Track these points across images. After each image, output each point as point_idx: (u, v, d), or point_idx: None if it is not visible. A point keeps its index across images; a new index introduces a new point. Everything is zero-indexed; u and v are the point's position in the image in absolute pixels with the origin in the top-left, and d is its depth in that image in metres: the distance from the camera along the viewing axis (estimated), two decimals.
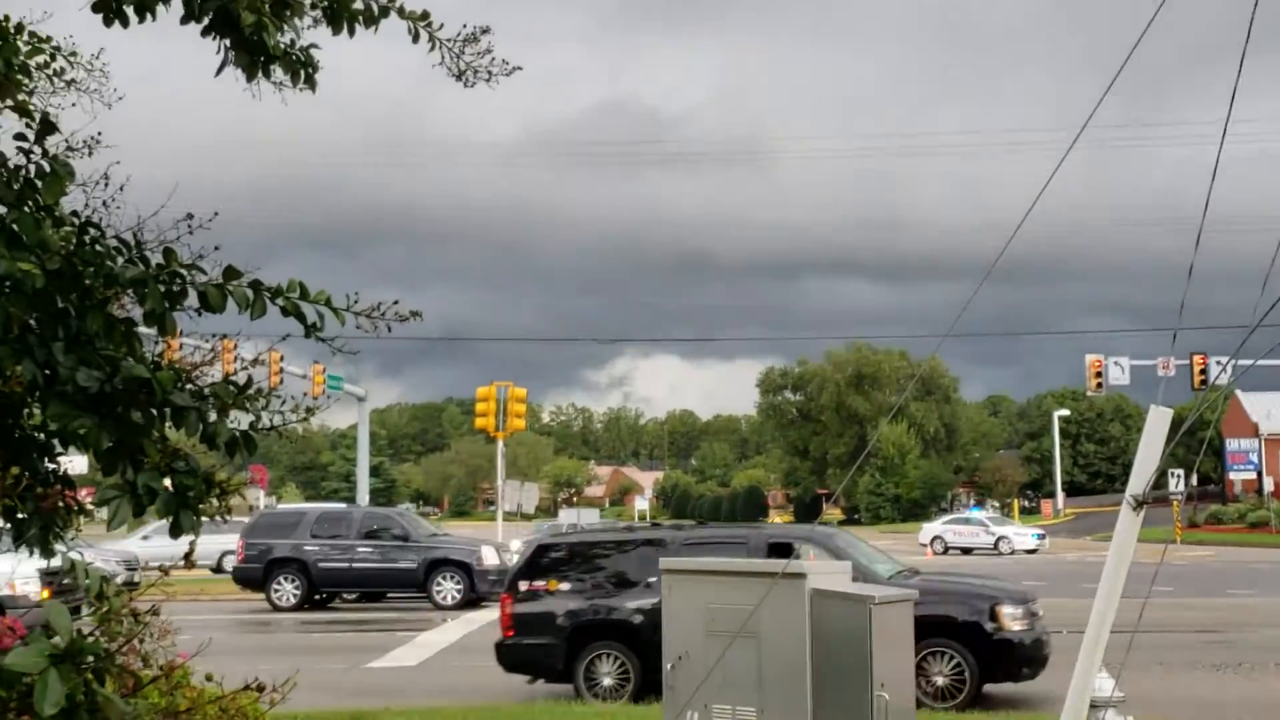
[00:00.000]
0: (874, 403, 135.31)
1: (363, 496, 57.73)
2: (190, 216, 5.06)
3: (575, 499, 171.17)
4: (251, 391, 5.04)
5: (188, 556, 5.82)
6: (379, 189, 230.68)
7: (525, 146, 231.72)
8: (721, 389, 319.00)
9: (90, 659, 3.62)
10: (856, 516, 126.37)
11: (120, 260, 4.95)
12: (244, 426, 5.03)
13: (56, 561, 4.95)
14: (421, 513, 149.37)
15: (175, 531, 4.99)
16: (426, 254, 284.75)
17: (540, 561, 18.55)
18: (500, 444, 49.95)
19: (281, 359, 44.45)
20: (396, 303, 5.12)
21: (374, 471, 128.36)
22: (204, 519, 5.07)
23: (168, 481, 4.90)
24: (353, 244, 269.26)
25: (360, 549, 35.98)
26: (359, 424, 62.28)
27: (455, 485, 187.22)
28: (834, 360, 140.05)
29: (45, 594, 22.98)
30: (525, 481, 69.03)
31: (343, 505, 42.23)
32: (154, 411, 4.92)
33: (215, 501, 5.02)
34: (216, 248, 5.07)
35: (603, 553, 18.50)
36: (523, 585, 18.47)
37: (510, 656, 18.45)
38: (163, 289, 4.87)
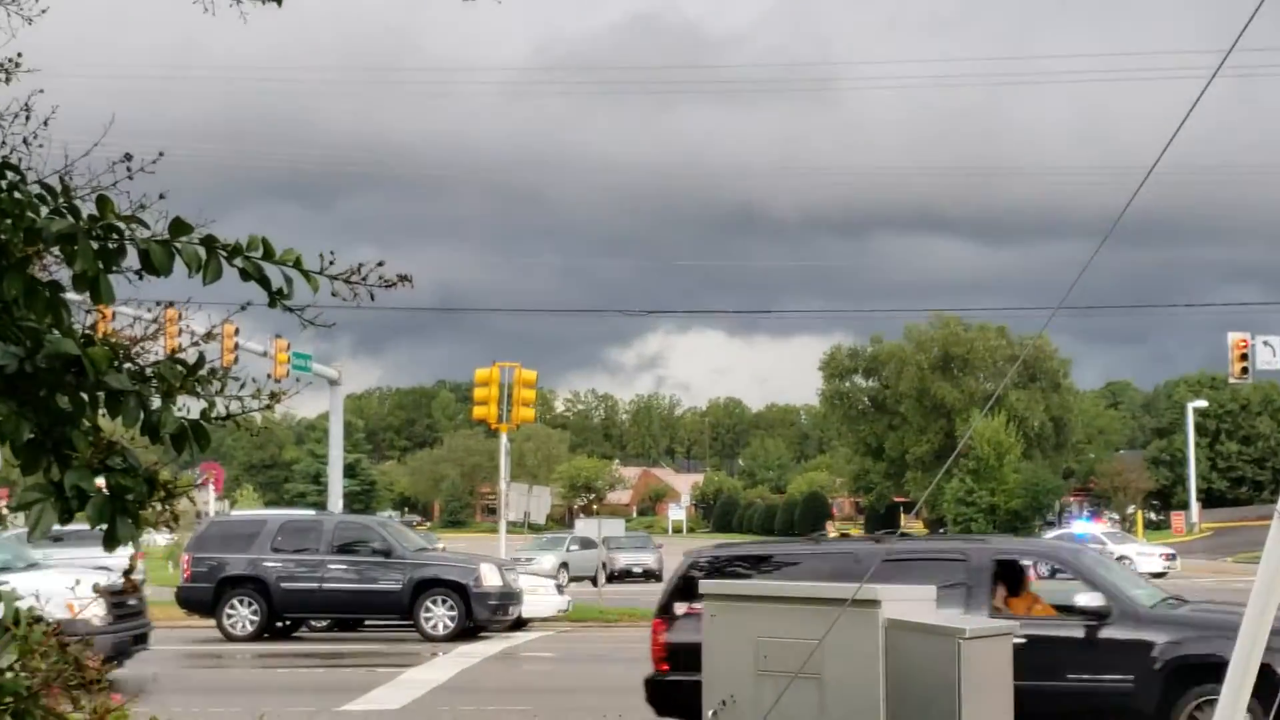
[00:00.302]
0: (965, 391, 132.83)
1: (335, 501, 57.16)
2: (129, 158, 5.06)
3: (595, 506, 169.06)
4: (203, 372, 5.04)
5: (128, 574, 5.86)
6: (359, 126, 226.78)
7: (537, 74, 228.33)
8: (776, 373, 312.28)
9: (9, 700, 3.66)
10: (942, 530, 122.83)
11: (44, 211, 4.94)
12: (194, 415, 5.03)
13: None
14: (406, 521, 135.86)
15: (110, 543, 5.01)
16: (416, 206, 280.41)
17: (699, 580, 17.88)
18: (504, 439, 49.29)
19: (237, 332, 44.10)
20: (381, 264, 5.13)
21: (349, 471, 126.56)
22: (147, 528, 5.10)
23: (101, 481, 4.92)
24: (326, 192, 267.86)
25: (332, 566, 35.62)
26: (331, 413, 61.37)
27: (448, 489, 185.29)
28: (915, 338, 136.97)
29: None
30: (534, 485, 68.49)
31: (311, 512, 41.78)
32: (85, 396, 4.93)
33: (159, 506, 5.04)
34: (162, 196, 5.05)
35: (775, 570, 17.94)
36: (679, 608, 17.85)
37: (666, 696, 17.71)
38: (96, 246, 4.86)
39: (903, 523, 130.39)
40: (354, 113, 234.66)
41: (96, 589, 18.07)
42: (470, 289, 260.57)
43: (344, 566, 35.56)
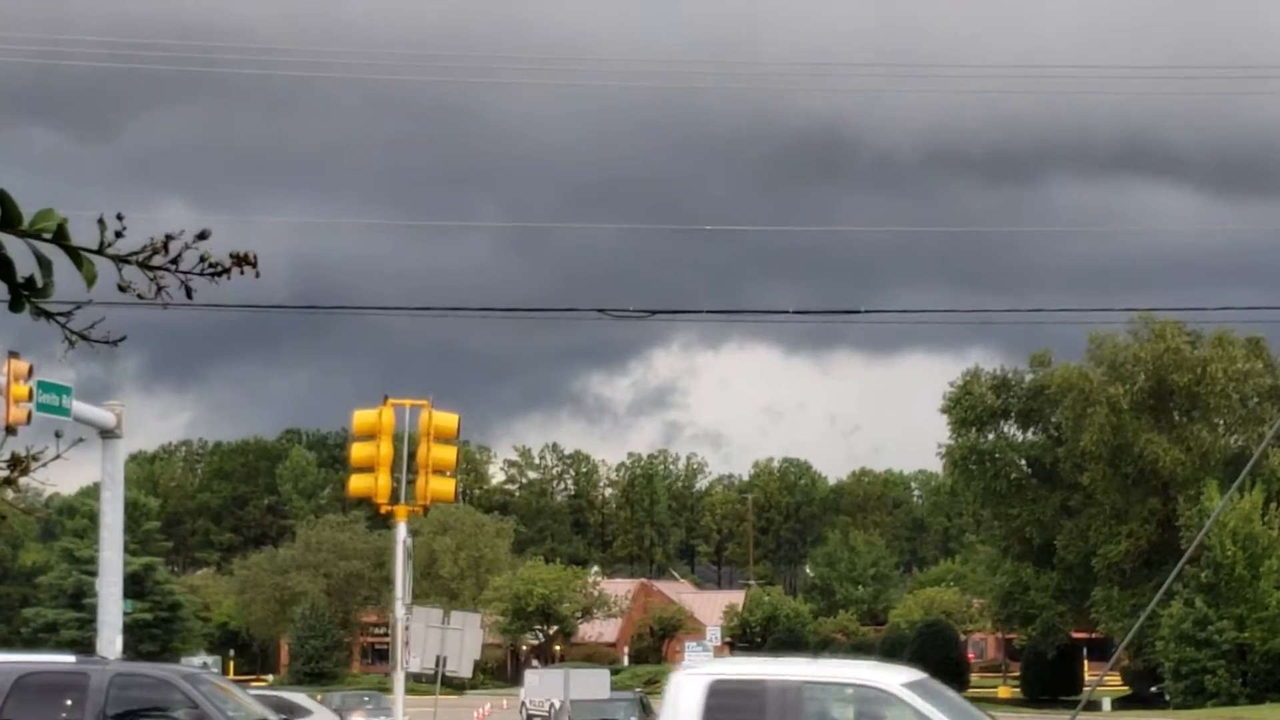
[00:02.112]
0: (1192, 448, 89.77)
1: (112, 640, 40.80)
2: None
3: (559, 646, 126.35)
4: None
5: None
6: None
7: None
8: (871, 417, 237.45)
9: None
10: (1157, 690, 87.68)
11: None
12: None
13: None
14: (239, 675, 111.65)
15: None
16: (260, 132, 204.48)
17: None
18: (402, 531, 36.22)
19: None
20: (204, 235, 3.50)
21: (137, 587, 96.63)
22: None
23: None
24: (106, 109, 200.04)
25: None
26: (104, 487, 43.76)
27: (305, 618, 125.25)
28: (1107, 357, 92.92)
29: None
30: (453, 610, 48.07)
31: (69, 658, 30.42)
32: None
33: None
34: None
35: None
36: None
37: None
38: None
39: (1087, 676, 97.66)
40: None
41: None
42: (347, 273, 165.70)
43: None
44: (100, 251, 3.40)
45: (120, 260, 3.41)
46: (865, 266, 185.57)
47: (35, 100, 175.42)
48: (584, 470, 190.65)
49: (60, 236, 3.39)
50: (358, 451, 35.78)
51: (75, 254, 3.40)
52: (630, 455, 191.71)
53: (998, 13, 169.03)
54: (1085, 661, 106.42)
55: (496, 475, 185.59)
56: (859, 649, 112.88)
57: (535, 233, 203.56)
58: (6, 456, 3.47)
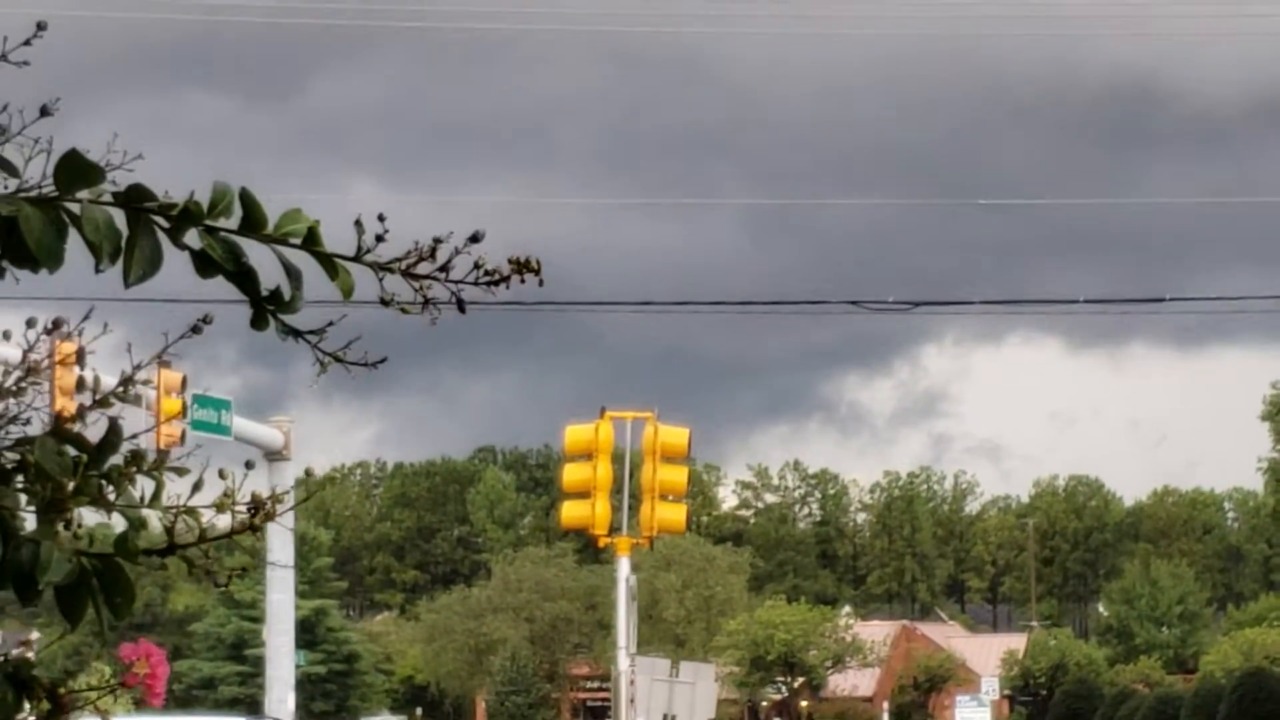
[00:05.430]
0: None
1: (283, 698, 41.72)
2: None
3: (806, 701, 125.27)
4: (118, 461, 3.48)
5: None
6: None
7: None
8: (1178, 424, 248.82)
9: None
10: None
11: None
12: (104, 544, 3.50)
13: None
14: None
15: None
16: (450, 89, 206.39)
17: None
18: (624, 567, 36.66)
19: (186, 385, 33.85)
20: (476, 238, 3.47)
21: (309, 636, 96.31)
22: None
23: None
24: (280, 67, 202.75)
25: None
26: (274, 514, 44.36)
27: (505, 671, 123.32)
28: None
29: None
30: (682, 661, 47.02)
31: None
32: None
33: None
34: (47, 112, 3.47)
35: None
36: None
37: None
38: None
39: None
40: None
41: None
42: (559, 262, 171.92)
43: None
44: (358, 259, 3.43)
45: (381, 268, 3.42)
46: (1175, 245, 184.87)
47: (202, 63, 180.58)
48: (832, 492, 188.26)
49: (311, 241, 3.43)
50: (570, 474, 35.99)
51: (329, 262, 3.42)
52: (887, 474, 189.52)
53: None
54: None
55: (728, 499, 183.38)
56: (1164, 702, 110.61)
57: (781, 209, 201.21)
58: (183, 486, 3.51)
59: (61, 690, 3.38)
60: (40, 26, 3.46)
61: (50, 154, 3.39)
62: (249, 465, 3.92)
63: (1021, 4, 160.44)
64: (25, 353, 3.52)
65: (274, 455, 41.88)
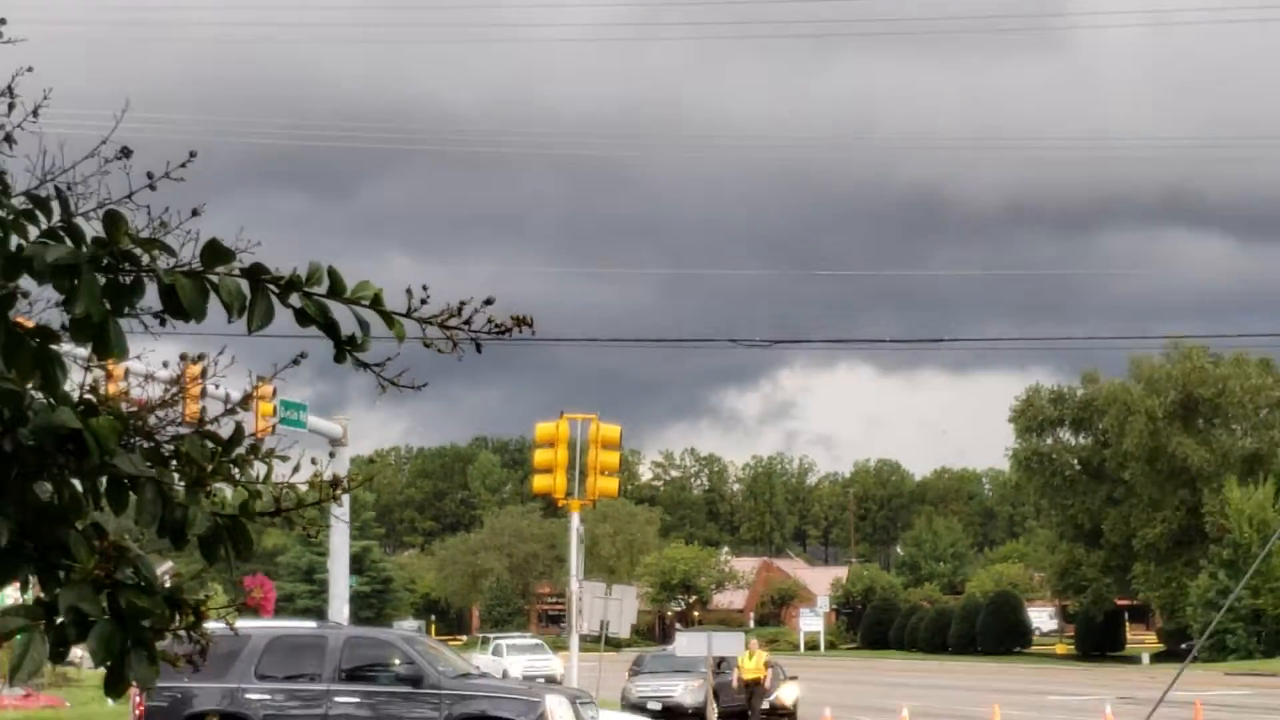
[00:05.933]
0: (1216, 449, 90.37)
1: (339, 608, 39.75)
2: (127, 153, 3.42)
3: (697, 612, 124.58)
4: (242, 450, 3.35)
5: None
6: (382, 87, 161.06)
7: (634, 9, 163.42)
8: (951, 425, 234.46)
9: None
10: (1185, 646, 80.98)
11: (34, 233, 3.34)
12: (232, 508, 3.46)
13: None
14: (440, 636, 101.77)
15: (117, 687, 3.27)
16: (458, 191, 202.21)
17: None
18: (575, 520, 35.86)
19: (276, 395, 32.97)
20: (490, 302, 3.49)
21: (356, 565, 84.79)
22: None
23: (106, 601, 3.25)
24: (341, 174, 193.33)
25: (340, 699, 24.91)
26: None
27: (491, 590, 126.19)
28: (1145, 375, 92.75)
29: None
30: (614, 584, 46.07)
31: (310, 624, 30.68)
32: (81, 485, 3.34)
33: (185, 635, 3.33)
34: (195, 212, 3.42)
35: None
36: None
37: None
38: (104, 280, 3.31)
39: (1128, 635, 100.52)
40: (374, 70, 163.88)
41: None
42: (530, 309, 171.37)
43: (356, 699, 24.86)
44: (409, 315, 3.42)
45: (424, 322, 3.42)
46: (948, 303, 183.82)
47: (287, 170, 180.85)
48: (716, 469, 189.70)
49: (376, 303, 3.41)
50: (539, 456, 35.49)
51: (388, 317, 3.41)
52: (754, 457, 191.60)
53: (1073, 94, 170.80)
54: (1127, 623, 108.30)
55: (646, 474, 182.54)
56: (941, 614, 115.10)
57: (683, 278, 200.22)
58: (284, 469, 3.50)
59: (202, 608, 3.35)
60: (191, 154, 3.43)
61: (198, 240, 3.37)
62: (332, 455, 3.87)
63: (847, 133, 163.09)
64: (178, 377, 3.49)
65: (336, 442, 39.83)
